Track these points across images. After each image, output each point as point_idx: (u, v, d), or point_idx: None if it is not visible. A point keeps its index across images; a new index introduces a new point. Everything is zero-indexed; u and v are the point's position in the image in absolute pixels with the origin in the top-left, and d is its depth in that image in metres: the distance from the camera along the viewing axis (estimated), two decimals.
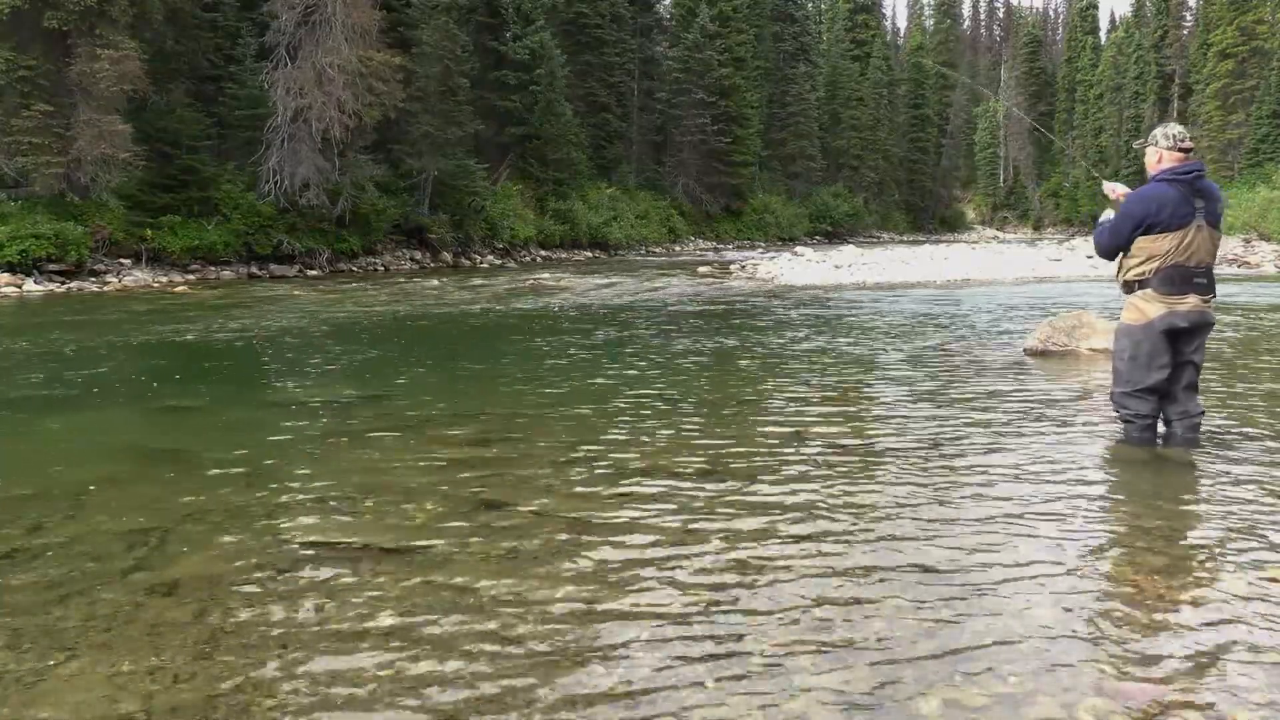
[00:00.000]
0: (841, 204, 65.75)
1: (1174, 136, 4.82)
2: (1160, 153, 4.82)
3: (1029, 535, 3.59)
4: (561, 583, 3.18)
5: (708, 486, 4.31)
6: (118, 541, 3.68)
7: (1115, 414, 5.07)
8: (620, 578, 3.22)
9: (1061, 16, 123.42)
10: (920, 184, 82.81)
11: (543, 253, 36.06)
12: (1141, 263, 4.74)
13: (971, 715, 2.32)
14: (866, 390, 6.94)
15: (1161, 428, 4.99)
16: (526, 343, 10.34)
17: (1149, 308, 4.75)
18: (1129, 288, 4.85)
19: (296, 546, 3.60)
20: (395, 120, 27.58)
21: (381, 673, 2.57)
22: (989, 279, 20.40)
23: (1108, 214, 5.10)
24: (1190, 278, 4.72)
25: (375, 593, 3.13)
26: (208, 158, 25.14)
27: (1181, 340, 4.78)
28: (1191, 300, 4.73)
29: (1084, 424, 5.59)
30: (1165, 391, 4.88)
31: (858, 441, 5.19)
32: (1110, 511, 3.99)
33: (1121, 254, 4.87)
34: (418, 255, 30.24)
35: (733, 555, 3.41)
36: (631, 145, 50.02)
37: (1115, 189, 5.19)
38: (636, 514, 3.91)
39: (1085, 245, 26.01)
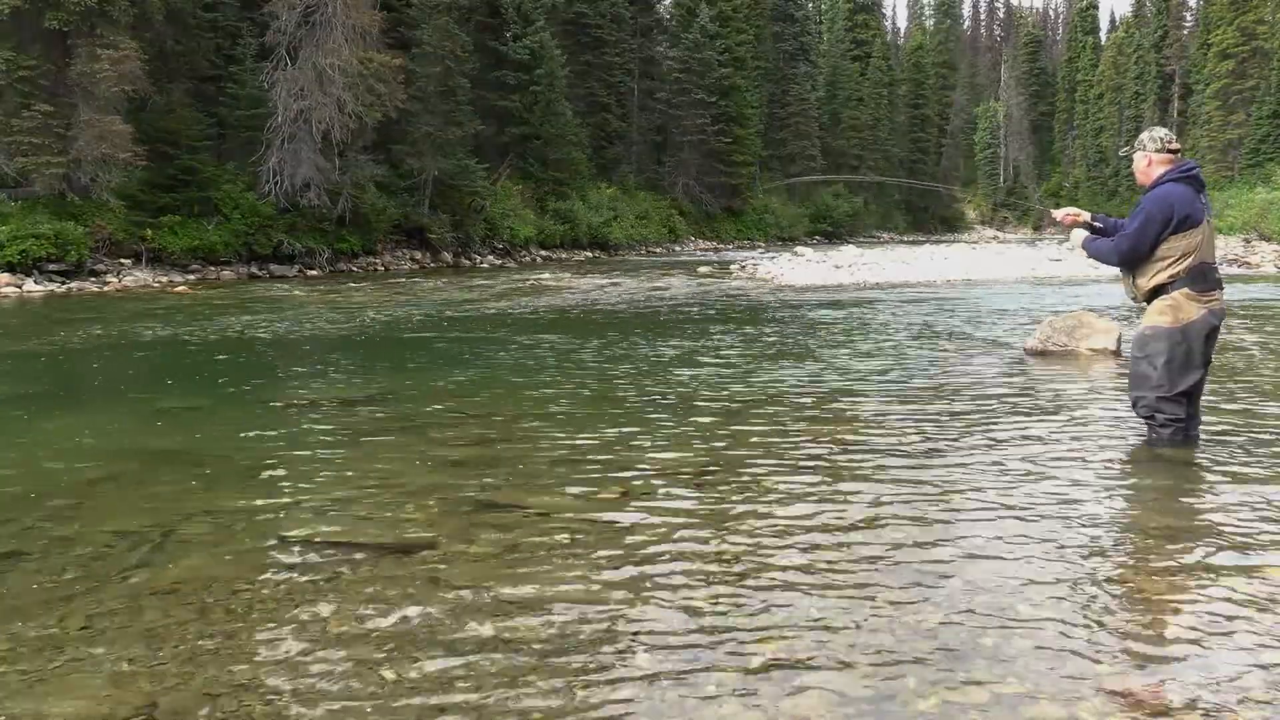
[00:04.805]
0: (841, 204, 65.75)
1: (1161, 139, 4.82)
2: (1149, 157, 4.81)
3: (1029, 535, 3.59)
4: (561, 583, 3.18)
5: (708, 485, 4.31)
6: (118, 541, 3.68)
7: (1145, 419, 4.93)
8: (620, 578, 3.22)
9: (1061, 16, 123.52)
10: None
11: (543, 253, 36.04)
12: (1174, 262, 4.66)
13: (971, 715, 2.32)
14: (866, 390, 6.93)
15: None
16: (527, 343, 10.33)
17: (1186, 309, 4.67)
18: (1156, 292, 4.76)
19: (296, 546, 3.60)
20: (395, 120, 27.58)
21: (381, 673, 2.57)
22: (989, 279, 20.39)
23: (1078, 235, 5.08)
24: (1213, 273, 4.73)
25: (375, 593, 3.13)
26: (208, 158, 25.14)
27: (1209, 340, 4.77)
28: (1218, 295, 4.73)
29: (1084, 424, 5.59)
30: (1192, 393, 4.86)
31: (857, 441, 5.19)
32: (1111, 511, 3.99)
33: (1137, 263, 4.77)
34: (418, 255, 30.23)
35: (733, 554, 3.41)
36: (631, 145, 50.00)
37: (1066, 213, 5.19)
38: (637, 513, 3.91)
39: None
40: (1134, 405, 4.98)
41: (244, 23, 26.99)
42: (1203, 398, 5.11)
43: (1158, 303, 4.76)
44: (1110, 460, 4.82)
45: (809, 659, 2.61)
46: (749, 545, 3.51)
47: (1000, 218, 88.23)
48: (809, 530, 3.67)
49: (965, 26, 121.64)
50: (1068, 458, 4.77)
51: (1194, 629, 2.79)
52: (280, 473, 4.73)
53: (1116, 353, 8.34)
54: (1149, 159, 4.81)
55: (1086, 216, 5.12)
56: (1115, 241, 4.84)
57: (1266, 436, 5.19)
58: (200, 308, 15.49)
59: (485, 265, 31.41)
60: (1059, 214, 5.27)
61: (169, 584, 3.23)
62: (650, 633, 2.79)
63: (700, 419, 5.89)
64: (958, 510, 3.91)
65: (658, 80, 51.11)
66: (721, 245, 48.87)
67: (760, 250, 41.07)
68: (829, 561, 3.34)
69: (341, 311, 14.72)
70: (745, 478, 4.44)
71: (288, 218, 25.41)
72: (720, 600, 3.02)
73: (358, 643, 2.76)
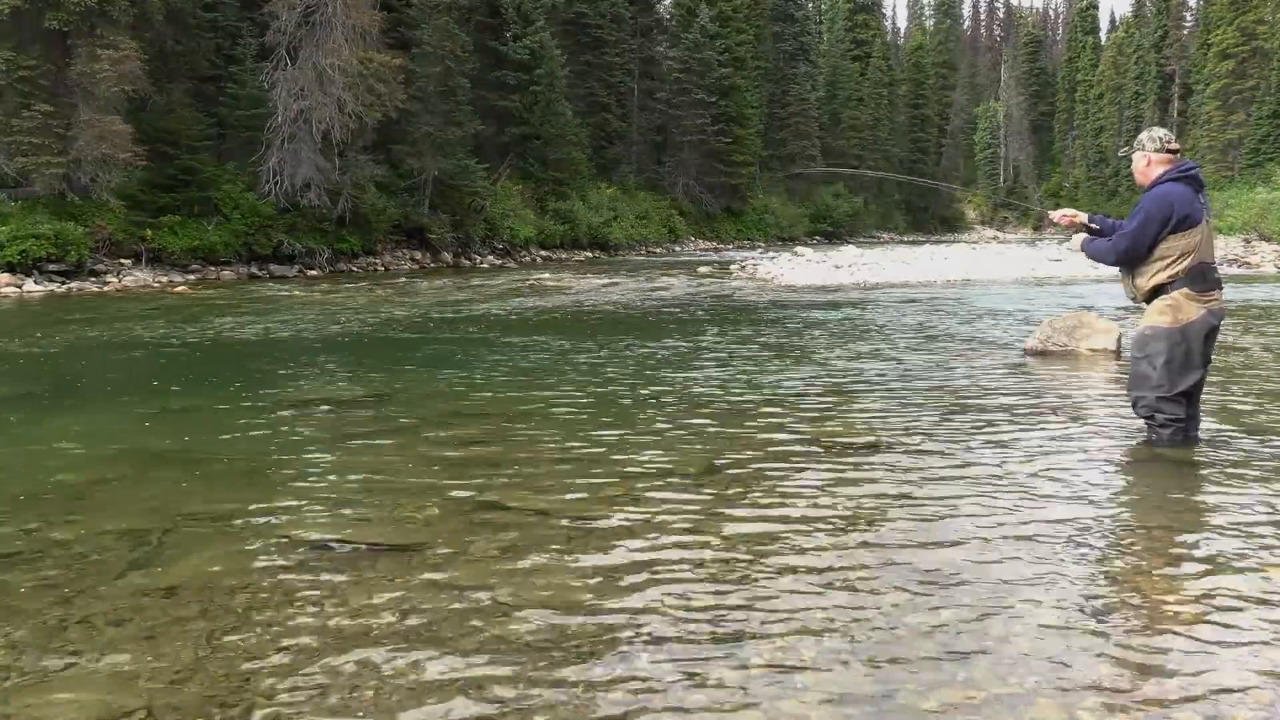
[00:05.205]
0: (841, 204, 65.75)
1: (1160, 139, 4.82)
2: (1148, 157, 4.81)
3: (1029, 535, 3.59)
4: (561, 583, 3.18)
5: (708, 486, 4.31)
6: (118, 541, 3.68)
7: (1145, 419, 4.92)
8: (620, 578, 3.22)
9: (1061, 16, 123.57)
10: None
11: (543, 253, 36.05)
12: (1173, 262, 4.65)
13: (971, 715, 2.32)
14: (866, 390, 6.93)
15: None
16: (526, 344, 10.33)
17: (1186, 309, 4.66)
18: (1155, 292, 4.75)
19: (296, 546, 3.60)
20: (395, 120, 27.58)
21: (381, 673, 2.57)
22: (989, 279, 20.39)
23: (1078, 238, 5.09)
24: (1213, 273, 4.73)
25: (375, 593, 3.13)
26: (208, 158, 25.14)
27: (1208, 340, 4.77)
28: (1217, 296, 4.73)
29: (1084, 424, 5.59)
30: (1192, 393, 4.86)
31: (857, 441, 5.19)
32: (1110, 511, 3.99)
33: (1136, 262, 4.77)
34: (418, 255, 30.24)
35: (733, 555, 3.41)
36: (631, 145, 50.00)
37: (1064, 215, 5.19)
38: (636, 514, 3.91)
39: None
40: (1134, 405, 4.98)
41: (244, 23, 26.99)
42: (1203, 398, 5.11)
43: (1157, 303, 4.76)
44: (1110, 460, 4.82)
45: (809, 660, 2.61)
46: (749, 546, 3.50)
47: (1000, 218, 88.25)
48: (809, 532, 3.67)
49: (965, 26, 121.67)
50: (1068, 458, 4.77)
51: (1194, 629, 2.78)
52: (279, 473, 4.73)
53: (1116, 353, 8.34)
54: (1148, 159, 4.81)
55: (1083, 217, 5.13)
56: (1113, 241, 4.84)
57: (1266, 437, 5.18)
58: (200, 308, 15.48)
59: (485, 265, 31.41)
60: (1056, 215, 5.27)
61: (169, 584, 3.23)
62: (650, 633, 2.79)
63: (700, 420, 5.88)
64: (957, 511, 3.91)
65: (658, 80, 51.11)
66: (721, 245, 48.88)
67: (760, 250, 41.07)
68: (829, 562, 3.34)
69: (341, 312, 14.72)
70: (746, 479, 4.44)
71: (288, 218, 25.41)
72: (720, 601, 3.02)
73: (357, 643, 2.75)
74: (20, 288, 18.65)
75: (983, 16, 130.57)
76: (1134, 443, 5.05)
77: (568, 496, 4.20)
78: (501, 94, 36.41)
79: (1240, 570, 3.22)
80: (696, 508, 3.98)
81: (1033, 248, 33.37)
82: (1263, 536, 3.54)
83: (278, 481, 4.56)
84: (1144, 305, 4.89)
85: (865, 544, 3.52)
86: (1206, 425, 5.19)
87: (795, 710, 2.35)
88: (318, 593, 3.14)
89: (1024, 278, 20.75)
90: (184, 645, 2.76)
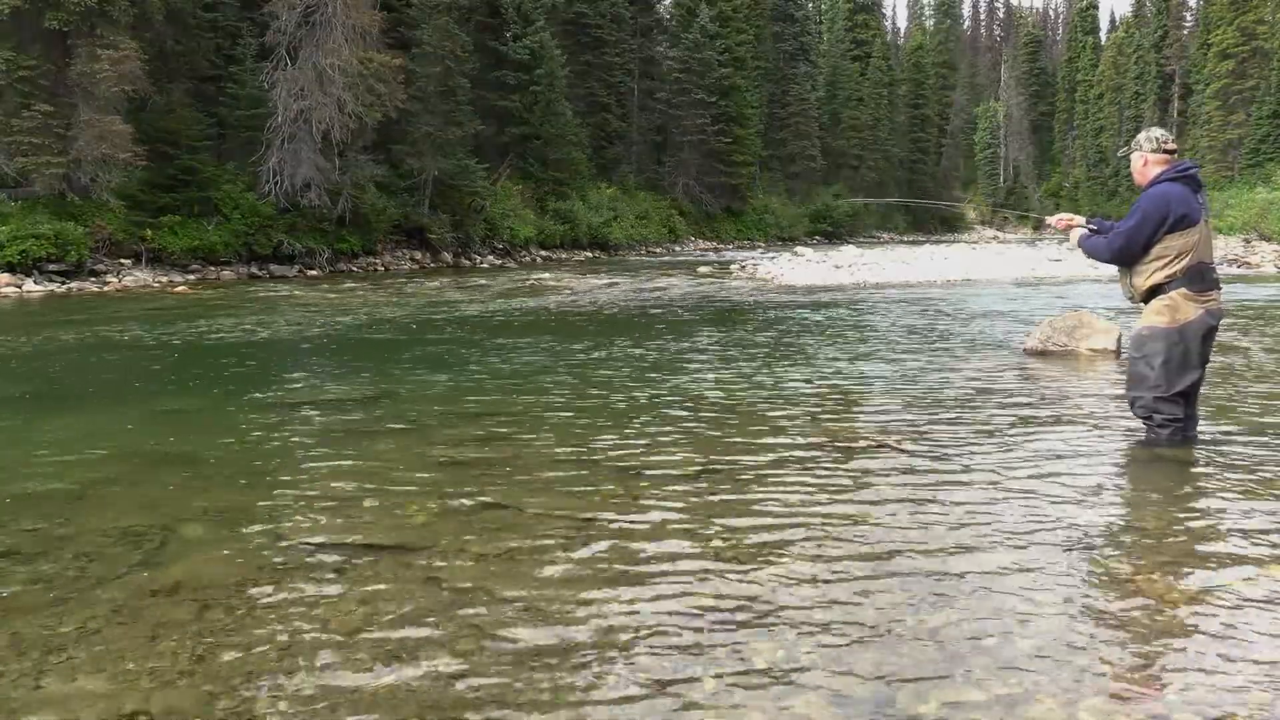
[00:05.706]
0: (842, 204, 65.72)
1: (1158, 139, 4.83)
2: (1146, 157, 4.83)
3: (1029, 535, 3.59)
4: (562, 583, 3.19)
5: (708, 487, 4.31)
6: (118, 541, 3.68)
7: (1143, 419, 4.93)
8: (620, 578, 3.22)
9: (1061, 16, 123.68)
10: (920, 184, 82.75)
11: (543, 253, 36.04)
12: (1170, 262, 4.66)
13: (971, 715, 2.32)
14: (866, 390, 6.94)
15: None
16: (526, 344, 10.33)
17: (1184, 309, 4.66)
18: (1153, 292, 4.76)
19: (297, 546, 3.60)
20: (395, 120, 27.57)
21: (381, 673, 2.57)
22: (989, 279, 20.39)
23: (1075, 233, 5.10)
24: (1211, 273, 4.74)
25: (374, 593, 3.13)
26: (208, 158, 25.14)
27: (1206, 340, 4.77)
28: (1215, 296, 4.73)
29: (1083, 424, 5.59)
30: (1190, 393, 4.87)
31: (858, 442, 5.19)
32: (1110, 511, 3.99)
33: (1132, 261, 4.78)
34: (418, 255, 30.23)
35: (732, 555, 3.41)
36: (631, 145, 50.00)
37: (1060, 219, 5.21)
38: (636, 514, 3.91)
39: None
40: (1132, 405, 4.98)
41: (244, 23, 26.97)
42: (1202, 398, 5.11)
43: (1155, 302, 4.76)
44: (1109, 460, 4.82)
45: (809, 659, 2.61)
46: (749, 546, 3.51)
47: (1000, 218, 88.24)
48: (809, 532, 3.67)
49: (965, 26, 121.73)
50: (1067, 458, 4.77)
51: (1194, 629, 2.79)
52: (279, 473, 4.73)
53: (1116, 353, 8.35)
54: (1145, 159, 4.82)
55: (1081, 220, 5.15)
56: (1109, 239, 4.85)
57: (1265, 437, 5.19)
58: (199, 308, 15.48)
59: (485, 265, 31.40)
60: (1053, 219, 5.30)
61: (169, 584, 3.23)
62: (650, 633, 2.80)
63: (700, 420, 5.89)
64: (957, 510, 3.91)
65: (658, 80, 51.11)
66: (721, 245, 48.87)
67: (760, 250, 41.07)
68: (829, 562, 3.34)
69: (340, 312, 14.72)
70: (746, 479, 4.44)
71: (288, 218, 25.40)
72: (719, 602, 3.02)
73: (356, 643, 2.76)
74: (20, 288, 18.65)
75: (983, 16, 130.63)
76: (1133, 443, 5.05)
77: (568, 496, 4.20)
78: (501, 94, 36.40)
79: (1240, 570, 3.23)
80: (695, 508, 3.98)
81: (1033, 248, 33.38)
82: (1262, 536, 3.54)
83: (277, 481, 4.56)
84: (1142, 305, 4.89)
85: (865, 545, 3.52)
86: (1206, 425, 5.19)
87: (795, 710, 2.35)
88: (317, 593, 3.14)
89: (1024, 278, 20.75)
90: (184, 645, 2.76)
